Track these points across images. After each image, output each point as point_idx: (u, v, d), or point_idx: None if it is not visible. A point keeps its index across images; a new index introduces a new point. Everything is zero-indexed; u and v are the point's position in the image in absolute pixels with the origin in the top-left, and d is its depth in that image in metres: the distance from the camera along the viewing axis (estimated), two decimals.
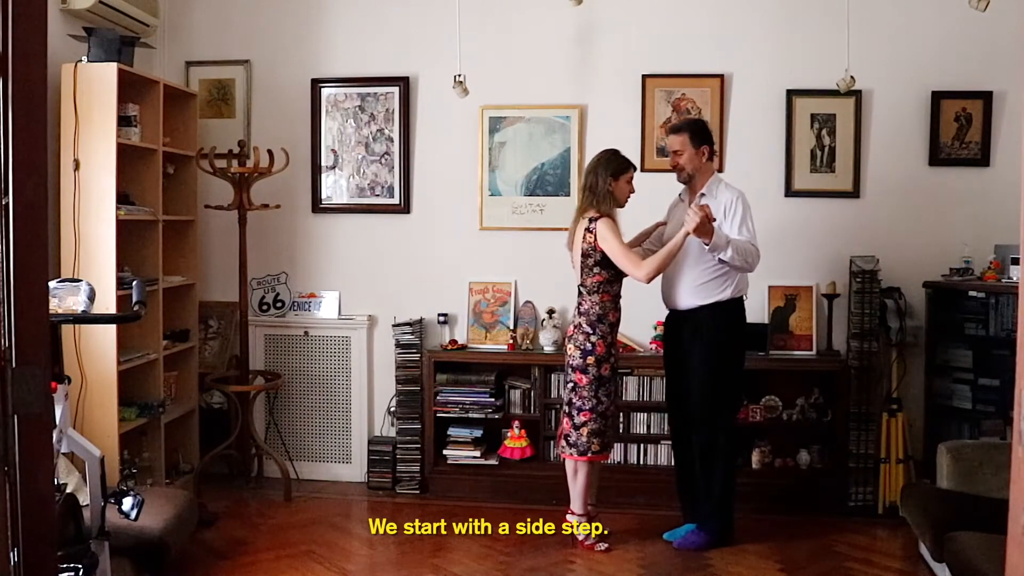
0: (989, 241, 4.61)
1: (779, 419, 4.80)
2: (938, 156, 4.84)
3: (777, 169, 4.95)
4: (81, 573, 2.71)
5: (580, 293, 4.11)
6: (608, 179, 4.04)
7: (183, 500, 3.93)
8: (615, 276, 4.07)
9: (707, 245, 3.91)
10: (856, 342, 4.66)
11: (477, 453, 4.93)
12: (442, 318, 5.13)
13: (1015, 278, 4.36)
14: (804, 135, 4.92)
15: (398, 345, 5.03)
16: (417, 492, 5.00)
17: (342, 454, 5.24)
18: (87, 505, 3.01)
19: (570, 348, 4.11)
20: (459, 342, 5.09)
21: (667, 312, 4.28)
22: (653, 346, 4.88)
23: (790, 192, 4.95)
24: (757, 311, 4.88)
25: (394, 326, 5.06)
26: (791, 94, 4.91)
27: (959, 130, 4.82)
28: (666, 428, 4.63)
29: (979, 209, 4.75)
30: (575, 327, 4.11)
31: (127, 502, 3.05)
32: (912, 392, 4.78)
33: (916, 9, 4.80)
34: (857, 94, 4.81)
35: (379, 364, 5.22)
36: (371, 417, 5.25)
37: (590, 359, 4.04)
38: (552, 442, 4.93)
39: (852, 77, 4.47)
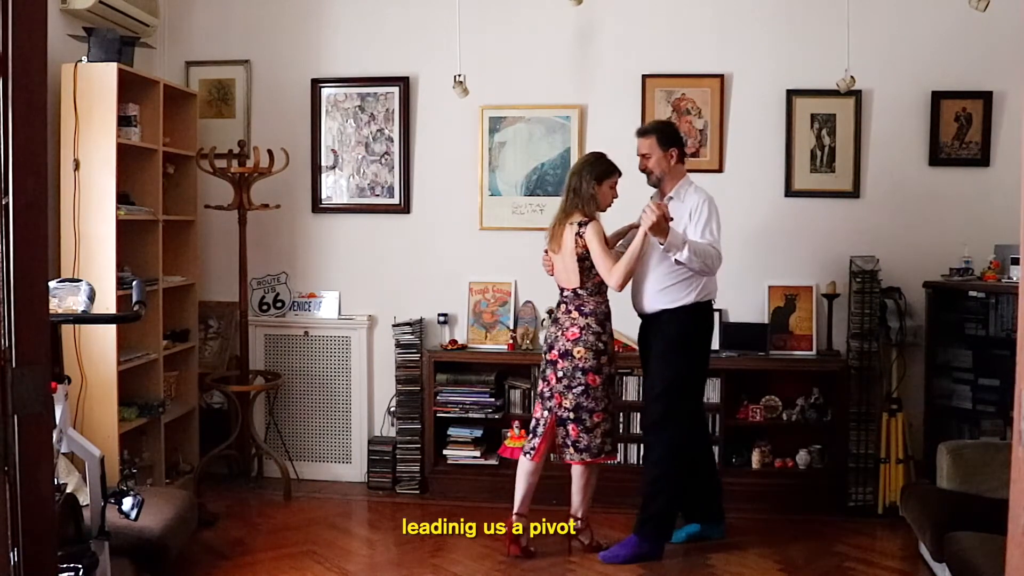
0: (989, 241, 4.61)
1: (779, 419, 4.80)
2: (938, 156, 4.84)
3: (777, 169, 4.95)
4: (81, 573, 2.71)
5: (578, 296, 4.02)
6: (592, 183, 3.98)
7: (183, 500, 3.93)
8: None
9: (662, 245, 3.85)
10: (856, 342, 4.66)
11: (477, 453, 4.93)
12: (442, 318, 5.13)
13: (1015, 278, 4.36)
14: (804, 135, 4.92)
15: (398, 345, 5.03)
16: (417, 492, 5.00)
17: (342, 454, 5.24)
18: (87, 505, 3.01)
19: (579, 351, 3.96)
20: (459, 342, 5.09)
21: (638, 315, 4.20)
22: None
23: (790, 192, 4.95)
24: (757, 311, 4.89)
25: (394, 326, 5.06)
26: (791, 94, 4.91)
27: (959, 130, 4.82)
28: None
29: (979, 209, 4.75)
30: (582, 329, 3.98)
31: (127, 502, 3.05)
32: (912, 392, 4.77)
33: (916, 9, 4.80)
34: (857, 94, 4.81)
35: (379, 364, 5.22)
36: (371, 417, 5.25)
37: (604, 358, 3.97)
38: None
39: (852, 77, 4.47)
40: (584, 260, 3.98)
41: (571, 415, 4.01)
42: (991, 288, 4.48)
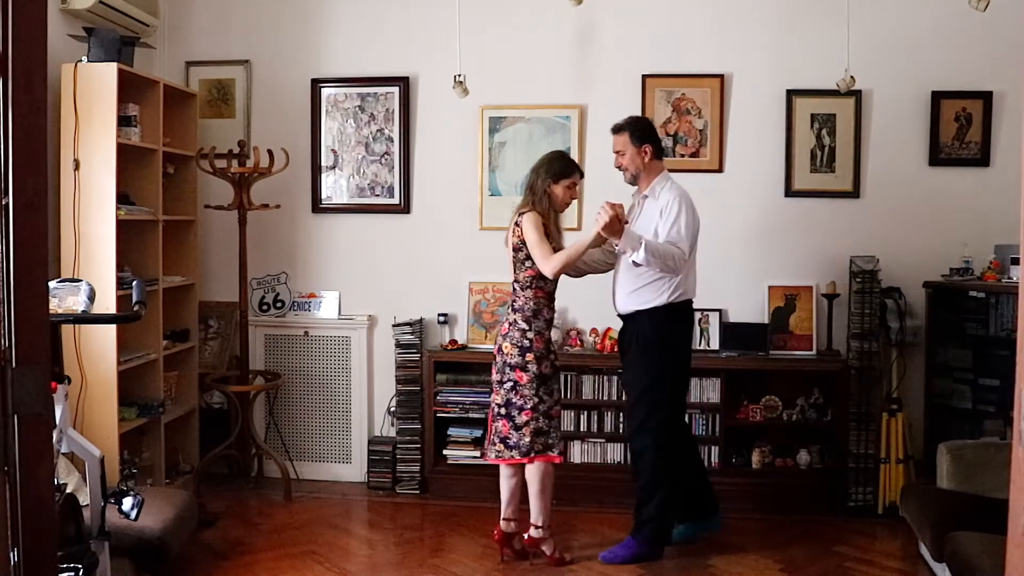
0: (989, 241, 4.61)
1: (779, 419, 4.80)
2: (938, 156, 4.84)
3: (777, 169, 4.95)
4: (81, 573, 2.71)
5: (514, 290, 3.99)
6: (548, 181, 3.95)
7: (183, 500, 3.93)
8: None
9: (617, 246, 3.83)
10: (856, 342, 4.66)
11: (477, 453, 4.93)
12: (442, 318, 5.13)
13: (1015, 278, 4.36)
14: (804, 135, 4.92)
15: (398, 345, 5.03)
16: (417, 492, 5.00)
17: (342, 454, 5.24)
18: (87, 505, 3.02)
19: (506, 346, 3.92)
20: (459, 342, 5.09)
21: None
22: None
23: (790, 192, 4.95)
24: (757, 311, 4.89)
25: (394, 326, 5.06)
26: (791, 94, 4.91)
27: (959, 130, 4.82)
28: None
29: (979, 209, 4.75)
30: (510, 324, 3.95)
31: (127, 502, 3.05)
32: (912, 392, 4.78)
33: (916, 9, 4.80)
34: (857, 94, 4.81)
35: (379, 364, 5.22)
36: (371, 417, 5.25)
37: (529, 356, 3.90)
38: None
39: (852, 77, 4.47)
40: (518, 251, 3.93)
41: (501, 410, 3.96)
42: (991, 288, 4.48)
